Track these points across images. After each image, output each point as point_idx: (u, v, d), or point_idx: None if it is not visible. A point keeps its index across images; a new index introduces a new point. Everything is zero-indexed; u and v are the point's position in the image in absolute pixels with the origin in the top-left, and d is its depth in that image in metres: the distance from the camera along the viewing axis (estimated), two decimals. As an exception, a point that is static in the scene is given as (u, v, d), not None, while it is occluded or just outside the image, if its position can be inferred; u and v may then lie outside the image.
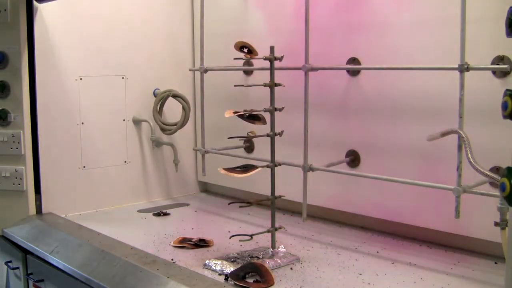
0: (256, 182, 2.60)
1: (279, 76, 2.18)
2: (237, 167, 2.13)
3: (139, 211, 2.97)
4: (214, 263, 2.04)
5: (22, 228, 2.63)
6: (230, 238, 2.19)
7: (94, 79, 2.92)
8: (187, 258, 2.15)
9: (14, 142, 2.66)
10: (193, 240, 2.35)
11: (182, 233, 2.51)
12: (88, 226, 2.57)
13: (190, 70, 2.99)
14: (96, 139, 2.95)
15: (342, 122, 2.53)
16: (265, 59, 2.15)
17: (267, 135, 2.16)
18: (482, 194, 1.81)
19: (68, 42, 2.81)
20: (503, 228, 1.67)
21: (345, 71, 2.47)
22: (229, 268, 1.97)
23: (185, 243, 2.33)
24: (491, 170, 1.93)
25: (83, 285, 2.12)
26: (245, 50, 2.18)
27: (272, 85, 2.14)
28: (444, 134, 1.81)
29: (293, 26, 2.61)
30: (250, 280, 1.89)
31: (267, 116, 2.17)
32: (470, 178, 1.82)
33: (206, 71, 2.63)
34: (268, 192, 2.20)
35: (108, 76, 2.98)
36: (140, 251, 2.18)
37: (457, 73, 1.81)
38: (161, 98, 3.06)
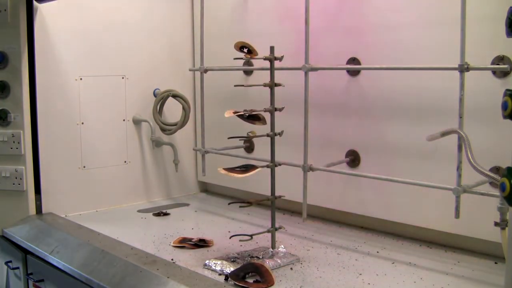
0: (256, 182, 2.60)
1: (279, 76, 2.18)
2: (237, 167, 2.13)
3: (139, 211, 2.97)
4: (214, 263, 2.03)
5: (22, 228, 2.63)
6: (230, 238, 2.19)
7: (94, 79, 2.92)
8: (187, 258, 2.15)
9: (14, 142, 2.66)
10: (193, 240, 2.35)
11: (182, 233, 2.51)
12: (88, 226, 2.56)
13: (190, 70, 2.99)
14: (96, 139, 2.95)
15: (342, 122, 2.53)
16: (265, 59, 2.15)
17: (267, 135, 2.16)
18: (482, 194, 1.81)
19: (68, 42, 2.81)
20: (503, 228, 1.67)
21: (345, 71, 2.47)
22: (229, 268, 1.97)
23: (185, 243, 2.33)
24: (491, 170, 1.93)
25: (83, 285, 2.12)
26: (245, 50, 2.18)
27: (272, 85, 2.14)
28: (444, 134, 1.81)
29: (293, 26, 2.61)
30: (250, 280, 1.89)
31: (267, 116, 2.17)
32: (470, 178, 1.82)
33: (206, 71, 2.63)
34: (268, 192, 2.20)
35: (108, 76, 2.98)
36: (140, 251, 2.19)
37: (457, 73, 1.81)
38: (161, 98, 3.06)
